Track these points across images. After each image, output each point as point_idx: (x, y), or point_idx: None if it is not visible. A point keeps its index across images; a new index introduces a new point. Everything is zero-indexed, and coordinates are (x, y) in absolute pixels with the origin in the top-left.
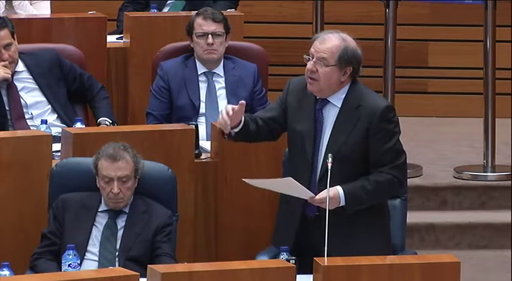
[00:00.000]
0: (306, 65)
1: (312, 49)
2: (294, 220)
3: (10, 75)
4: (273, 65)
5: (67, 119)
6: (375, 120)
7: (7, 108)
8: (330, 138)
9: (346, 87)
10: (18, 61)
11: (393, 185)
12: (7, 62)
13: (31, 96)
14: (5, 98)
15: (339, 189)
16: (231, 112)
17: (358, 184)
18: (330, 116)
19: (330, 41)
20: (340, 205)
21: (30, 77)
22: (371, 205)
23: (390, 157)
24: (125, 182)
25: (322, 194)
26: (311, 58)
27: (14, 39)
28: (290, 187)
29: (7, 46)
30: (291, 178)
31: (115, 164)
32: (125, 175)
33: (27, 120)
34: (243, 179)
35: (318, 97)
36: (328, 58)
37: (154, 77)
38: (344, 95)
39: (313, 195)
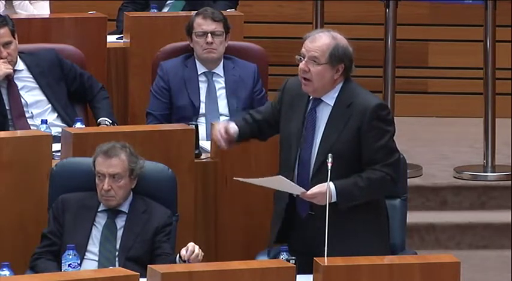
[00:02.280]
0: None
1: (303, 49)
2: (286, 219)
3: (12, 70)
4: (273, 65)
5: (67, 119)
6: (365, 118)
7: (7, 107)
8: (322, 136)
9: (339, 86)
10: (17, 60)
11: (385, 182)
12: (6, 60)
13: (31, 95)
14: (5, 97)
15: (330, 185)
16: (224, 135)
17: (350, 180)
18: (324, 114)
19: (320, 40)
20: (332, 201)
21: (30, 76)
22: (367, 203)
23: (382, 154)
24: (116, 180)
25: (314, 190)
26: (302, 58)
27: (15, 38)
28: (281, 184)
29: (7, 44)
30: (281, 176)
31: (107, 160)
32: (116, 173)
33: (27, 119)
34: (234, 178)
35: (311, 97)
36: (319, 56)
37: (154, 77)
38: (337, 94)
39: (305, 191)
